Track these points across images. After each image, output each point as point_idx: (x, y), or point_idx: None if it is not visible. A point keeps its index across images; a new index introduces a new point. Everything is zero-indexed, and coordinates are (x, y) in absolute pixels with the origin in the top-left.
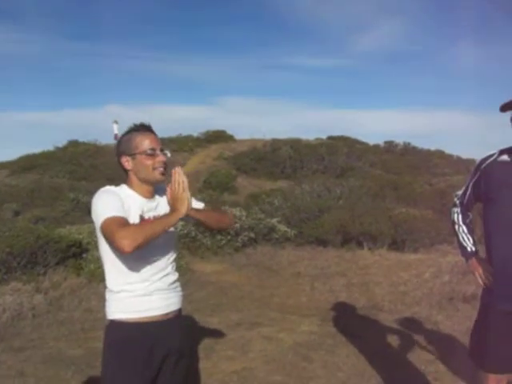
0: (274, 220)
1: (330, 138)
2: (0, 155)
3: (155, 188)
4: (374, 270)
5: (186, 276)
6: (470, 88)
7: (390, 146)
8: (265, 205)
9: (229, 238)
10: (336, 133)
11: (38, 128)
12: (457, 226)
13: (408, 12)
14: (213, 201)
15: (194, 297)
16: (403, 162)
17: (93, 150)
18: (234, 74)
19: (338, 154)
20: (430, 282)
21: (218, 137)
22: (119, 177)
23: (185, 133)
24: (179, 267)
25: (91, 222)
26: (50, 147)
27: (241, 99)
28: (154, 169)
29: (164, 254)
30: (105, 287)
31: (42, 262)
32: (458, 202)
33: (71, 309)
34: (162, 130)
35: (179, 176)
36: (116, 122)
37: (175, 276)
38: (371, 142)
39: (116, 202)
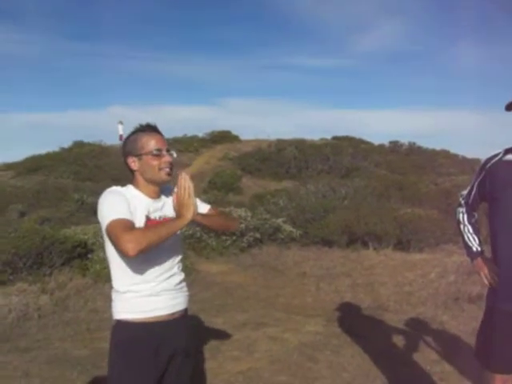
0: (280, 220)
1: (334, 138)
2: (5, 157)
3: (161, 188)
4: (379, 271)
5: (191, 276)
6: (472, 87)
7: (395, 146)
8: (270, 205)
9: (234, 238)
10: (339, 133)
11: (42, 129)
12: (462, 226)
13: (409, 12)
14: (218, 201)
15: (200, 297)
16: (408, 161)
17: (98, 151)
18: (234, 74)
19: (343, 154)
20: (436, 282)
21: (223, 137)
22: (124, 177)
23: (188, 133)
24: (184, 267)
25: (96, 222)
26: (55, 148)
27: (242, 100)
28: (160, 169)
29: (170, 255)
30: (111, 287)
31: (47, 263)
32: (463, 201)
33: (77, 309)
34: (166, 131)
35: (185, 181)
36: (121, 122)
37: (181, 276)
38: (376, 142)
39: (122, 204)
